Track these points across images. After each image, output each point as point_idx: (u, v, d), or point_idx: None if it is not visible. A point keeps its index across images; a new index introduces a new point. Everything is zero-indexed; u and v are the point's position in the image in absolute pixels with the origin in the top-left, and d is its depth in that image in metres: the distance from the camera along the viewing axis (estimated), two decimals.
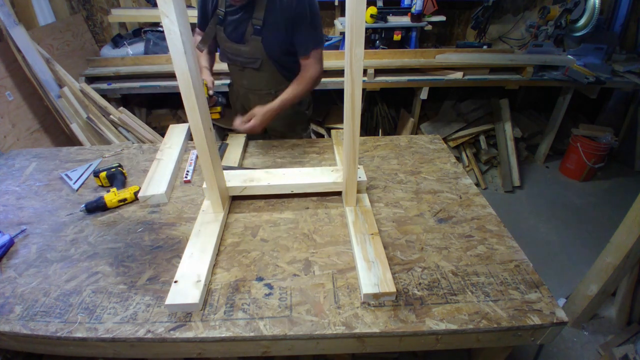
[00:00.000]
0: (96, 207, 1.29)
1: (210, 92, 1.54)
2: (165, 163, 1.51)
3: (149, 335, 0.89)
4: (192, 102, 0.99)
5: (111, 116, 2.66)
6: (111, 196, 1.31)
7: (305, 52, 1.53)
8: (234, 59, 1.64)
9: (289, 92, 1.56)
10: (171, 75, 2.78)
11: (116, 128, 2.70)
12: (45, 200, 1.37)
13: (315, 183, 1.32)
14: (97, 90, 2.75)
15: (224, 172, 1.29)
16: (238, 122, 1.55)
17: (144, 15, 3.16)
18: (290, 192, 1.33)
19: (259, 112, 1.53)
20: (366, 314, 0.94)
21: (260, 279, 1.03)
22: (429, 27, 3.12)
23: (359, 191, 1.30)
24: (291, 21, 1.46)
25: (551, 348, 1.88)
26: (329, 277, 1.04)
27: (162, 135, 2.46)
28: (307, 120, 1.95)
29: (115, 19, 3.14)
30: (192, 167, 1.54)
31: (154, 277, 1.05)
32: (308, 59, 1.54)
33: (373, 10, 2.97)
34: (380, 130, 3.41)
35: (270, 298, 0.98)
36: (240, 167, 1.54)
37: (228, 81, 2.12)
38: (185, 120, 2.86)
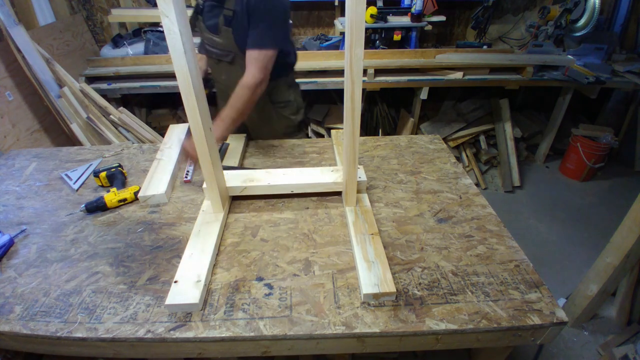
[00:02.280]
0: (96, 207, 1.29)
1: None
2: (165, 163, 1.51)
3: (149, 335, 0.89)
4: (192, 102, 0.99)
5: (111, 116, 2.66)
6: (111, 196, 1.31)
7: (247, 45, 1.40)
8: (210, 50, 1.58)
9: (226, 112, 1.40)
10: (171, 75, 2.78)
11: (116, 128, 2.70)
12: (45, 200, 1.37)
13: (315, 183, 1.31)
14: (97, 90, 2.75)
15: (224, 172, 1.29)
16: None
17: (144, 15, 3.16)
18: (290, 192, 1.33)
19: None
20: (366, 314, 0.94)
21: (260, 279, 1.03)
22: (429, 27, 3.13)
23: (359, 191, 1.30)
24: (248, 12, 1.37)
25: (551, 348, 1.88)
26: (329, 277, 1.04)
27: (162, 135, 2.46)
28: (297, 126, 1.83)
29: (115, 19, 3.14)
30: (192, 167, 1.54)
31: (154, 277, 1.05)
32: (247, 56, 1.40)
33: (373, 10, 2.97)
34: (380, 130, 3.41)
35: (270, 298, 0.98)
36: (240, 167, 1.54)
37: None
38: (185, 120, 2.86)
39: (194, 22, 1.57)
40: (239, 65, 1.52)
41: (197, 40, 1.62)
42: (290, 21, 1.50)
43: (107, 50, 3.08)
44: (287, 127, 1.80)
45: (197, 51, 1.61)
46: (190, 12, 1.36)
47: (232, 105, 1.40)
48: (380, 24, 3.02)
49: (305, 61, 2.88)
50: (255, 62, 1.39)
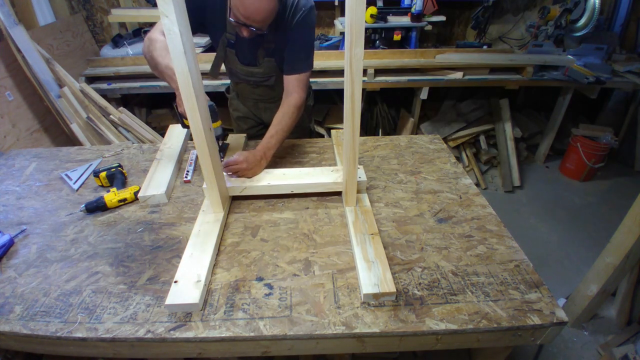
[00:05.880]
0: (96, 207, 1.29)
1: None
2: (165, 163, 1.51)
3: (149, 335, 0.89)
4: (192, 102, 0.99)
5: (111, 116, 2.67)
6: (111, 196, 1.31)
7: (289, 71, 1.48)
8: (246, 79, 1.63)
9: (279, 132, 1.44)
10: None
11: (116, 128, 2.70)
12: (45, 200, 1.37)
13: (315, 183, 1.32)
14: (97, 90, 2.75)
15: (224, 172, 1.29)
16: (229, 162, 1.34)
17: (144, 15, 3.16)
18: (290, 192, 1.33)
19: (252, 159, 1.34)
20: (366, 314, 0.94)
21: (260, 279, 1.03)
22: (429, 27, 3.12)
23: (359, 191, 1.30)
24: (289, 42, 1.45)
25: (551, 348, 1.88)
26: (329, 277, 1.04)
27: (162, 135, 2.46)
28: (310, 109, 1.91)
29: (115, 19, 3.14)
30: (192, 167, 1.54)
31: (154, 277, 1.05)
32: (290, 80, 1.48)
33: (373, 10, 2.97)
34: (380, 130, 3.41)
35: (270, 298, 0.98)
36: None
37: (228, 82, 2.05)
38: None
39: (223, 55, 1.56)
40: (278, 84, 1.61)
41: (197, 40, 1.60)
42: None
43: (107, 50, 3.08)
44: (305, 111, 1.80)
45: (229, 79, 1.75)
46: None
47: (282, 123, 1.46)
48: (380, 24, 3.01)
49: None
50: (299, 84, 1.50)
